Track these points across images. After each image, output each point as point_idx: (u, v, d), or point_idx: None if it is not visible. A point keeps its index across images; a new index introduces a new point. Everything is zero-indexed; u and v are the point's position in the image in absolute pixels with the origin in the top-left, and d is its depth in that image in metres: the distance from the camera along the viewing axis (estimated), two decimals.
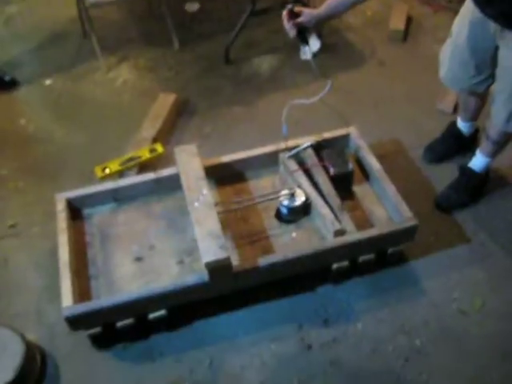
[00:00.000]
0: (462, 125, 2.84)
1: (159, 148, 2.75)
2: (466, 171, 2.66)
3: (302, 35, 2.09)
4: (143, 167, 2.77)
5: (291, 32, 2.07)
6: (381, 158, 2.59)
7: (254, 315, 2.30)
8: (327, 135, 2.63)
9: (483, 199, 2.70)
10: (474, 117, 2.78)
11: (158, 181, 2.50)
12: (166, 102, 3.20)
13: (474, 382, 2.09)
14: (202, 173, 2.32)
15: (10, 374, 1.98)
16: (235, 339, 2.23)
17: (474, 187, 2.66)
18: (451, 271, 2.43)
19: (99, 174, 2.61)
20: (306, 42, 2.10)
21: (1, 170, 2.98)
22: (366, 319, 2.27)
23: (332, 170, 2.45)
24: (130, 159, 2.69)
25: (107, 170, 2.63)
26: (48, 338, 2.25)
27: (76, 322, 2.04)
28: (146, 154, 2.73)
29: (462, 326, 2.25)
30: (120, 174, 2.69)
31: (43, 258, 2.48)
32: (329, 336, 2.23)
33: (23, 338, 2.10)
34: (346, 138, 2.67)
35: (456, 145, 2.89)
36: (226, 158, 2.58)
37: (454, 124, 2.90)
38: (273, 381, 2.11)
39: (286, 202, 2.39)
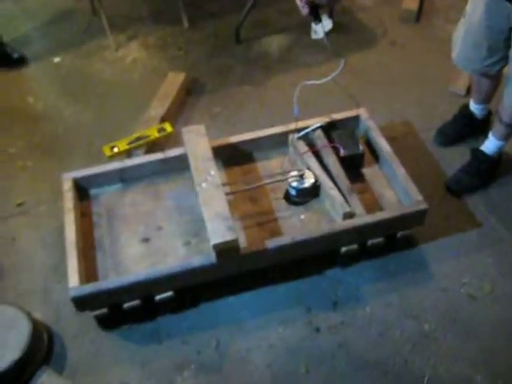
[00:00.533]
0: (475, 107, 2.81)
1: (168, 127, 2.73)
2: (477, 154, 2.63)
3: (315, 13, 2.06)
4: (151, 146, 2.75)
5: (304, 9, 2.04)
6: (391, 139, 2.57)
7: (262, 298, 2.29)
8: (337, 116, 2.60)
9: (495, 183, 2.67)
10: (486, 99, 2.75)
11: (165, 161, 2.48)
12: (175, 81, 3.18)
13: (482, 367, 2.07)
14: (209, 153, 2.29)
15: (17, 353, 1.98)
16: (242, 321, 2.22)
17: (486, 170, 2.63)
18: (461, 255, 2.41)
19: (107, 152, 2.60)
20: (320, 20, 2.06)
21: (9, 148, 2.97)
22: (374, 303, 2.26)
23: (342, 152, 2.43)
24: (139, 138, 2.67)
25: (115, 149, 2.61)
26: (55, 317, 2.25)
27: (82, 303, 2.04)
28: (154, 134, 2.71)
29: (471, 311, 2.23)
30: (128, 153, 2.68)
31: (51, 237, 2.48)
32: (337, 319, 2.22)
33: (30, 316, 2.10)
34: (355, 119, 2.64)
35: (468, 127, 2.85)
36: (235, 139, 2.56)
37: (466, 106, 2.86)
38: (280, 363, 2.11)
39: (294, 184, 2.36)
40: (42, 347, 2.13)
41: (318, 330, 2.19)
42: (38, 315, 2.23)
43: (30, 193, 2.72)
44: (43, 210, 2.64)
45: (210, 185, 2.16)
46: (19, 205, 2.67)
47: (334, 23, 2.05)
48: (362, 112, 2.63)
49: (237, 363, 2.11)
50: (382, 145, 2.48)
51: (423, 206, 2.24)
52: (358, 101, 2.61)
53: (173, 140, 2.78)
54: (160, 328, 2.21)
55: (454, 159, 2.75)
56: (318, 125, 2.53)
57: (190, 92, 3.27)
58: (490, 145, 2.60)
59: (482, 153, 2.61)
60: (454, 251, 2.42)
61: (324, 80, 2.18)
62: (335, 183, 2.33)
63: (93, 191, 2.47)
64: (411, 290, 2.30)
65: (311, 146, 2.50)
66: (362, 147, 2.45)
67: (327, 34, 2.07)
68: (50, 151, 2.94)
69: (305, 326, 2.20)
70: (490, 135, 2.59)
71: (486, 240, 2.46)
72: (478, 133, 2.84)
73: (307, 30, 2.10)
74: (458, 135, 2.86)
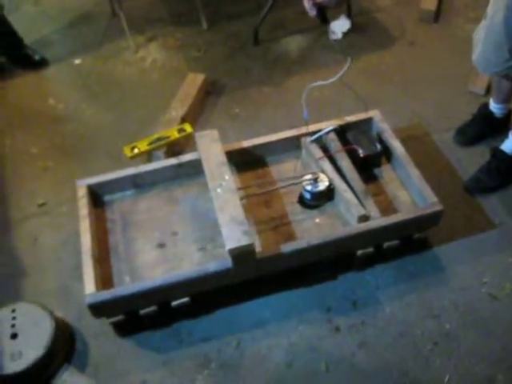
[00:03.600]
0: (495, 107, 2.80)
1: (188, 128, 2.74)
2: (497, 153, 2.62)
3: (323, 15, 2.07)
4: (172, 147, 2.77)
5: (312, 11, 2.06)
6: (410, 140, 2.57)
7: (282, 299, 2.30)
8: (349, 119, 2.58)
9: None
10: (507, 99, 2.73)
11: (179, 166, 2.49)
12: (194, 82, 3.20)
13: (504, 367, 2.07)
14: (223, 158, 2.29)
15: (40, 351, 2.00)
16: (262, 321, 2.23)
17: (506, 170, 2.61)
18: (480, 256, 2.40)
19: (128, 153, 2.61)
20: (327, 22, 2.07)
21: (31, 148, 3.00)
22: (394, 303, 2.26)
23: (361, 152, 2.43)
24: (159, 139, 2.69)
25: (136, 150, 2.63)
26: (77, 315, 2.27)
27: (99, 309, 2.05)
28: (174, 134, 2.72)
29: (492, 310, 2.22)
30: (149, 153, 2.70)
31: (72, 237, 2.49)
32: (357, 319, 2.22)
33: (53, 315, 2.13)
34: (369, 121, 2.62)
35: (488, 127, 2.84)
36: (247, 143, 2.55)
37: (486, 106, 2.85)
38: (300, 362, 2.11)
39: (309, 187, 2.35)
40: (65, 345, 2.16)
41: (337, 329, 2.19)
42: (59, 314, 2.25)
43: (51, 193, 2.76)
44: (65, 210, 2.67)
45: (224, 190, 2.16)
46: (41, 205, 2.71)
47: (353, 23, 2.06)
48: (375, 114, 2.61)
49: (257, 361, 2.12)
50: (396, 146, 2.47)
51: (438, 208, 2.23)
52: (376, 101, 2.61)
53: (192, 141, 2.78)
54: (180, 327, 2.23)
55: (474, 159, 2.74)
56: (331, 128, 2.52)
57: (209, 93, 3.28)
58: (509, 144, 2.59)
59: (502, 152, 2.61)
60: (473, 251, 2.41)
61: (330, 80, 2.18)
62: (349, 186, 2.33)
63: (107, 197, 2.49)
64: (431, 290, 2.30)
65: (324, 148, 2.50)
66: (379, 145, 2.46)
67: (345, 34, 2.07)
68: (71, 152, 2.97)
69: (325, 325, 2.21)
70: (510, 134, 2.58)
71: (506, 240, 2.45)
72: (497, 132, 2.83)
73: (325, 30, 2.10)
74: (477, 135, 2.85)
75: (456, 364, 2.08)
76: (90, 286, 2.04)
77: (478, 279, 2.32)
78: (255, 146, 2.56)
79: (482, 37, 2.40)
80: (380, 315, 2.23)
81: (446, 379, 2.04)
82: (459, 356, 2.10)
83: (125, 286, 2.11)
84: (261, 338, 2.18)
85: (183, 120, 2.92)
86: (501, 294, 2.27)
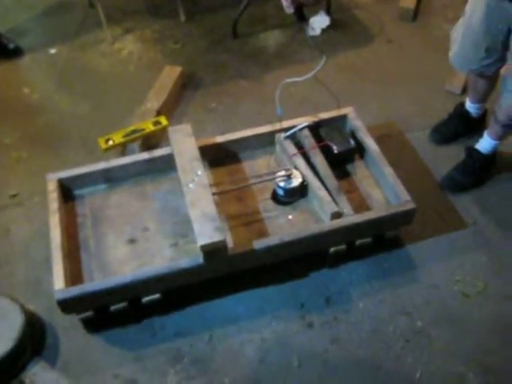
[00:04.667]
0: (471, 106, 2.81)
1: (163, 121, 2.73)
2: (472, 153, 2.64)
3: (301, 13, 2.07)
4: (147, 140, 2.75)
5: (289, 9, 2.05)
6: (385, 137, 2.58)
7: (255, 295, 2.29)
8: (324, 116, 2.58)
9: (488, 182, 2.68)
10: (483, 98, 2.75)
11: (151, 161, 2.46)
12: (171, 74, 3.18)
13: (474, 364, 2.08)
14: (196, 153, 2.28)
15: (9, 344, 1.97)
16: (235, 317, 2.22)
17: (480, 169, 2.63)
18: (453, 254, 2.42)
19: (103, 145, 2.59)
20: (304, 19, 2.07)
21: (4, 138, 2.97)
22: (367, 299, 2.27)
23: (335, 148, 2.43)
24: (134, 131, 2.67)
25: (111, 142, 2.61)
26: (48, 308, 2.24)
27: (69, 305, 2.02)
28: (149, 127, 2.70)
29: (464, 308, 2.24)
30: (123, 145, 2.68)
31: (44, 229, 2.44)
32: (330, 315, 2.22)
33: (23, 308, 2.10)
34: (343, 118, 2.61)
35: (463, 126, 2.86)
36: (221, 139, 2.54)
37: (462, 105, 2.87)
38: (272, 357, 2.11)
39: (282, 184, 2.35)
40: (35, 339, 2.14)
41: (310, 325, 2.19)
42: (30, 307, 2.23)
43: (24, 184, 2.72)
44: (37, 201, 2.63)
45: (197, 185, 2.15)
46: (13, 196, 2.67)
47: (332, 20, 2.05)
48: (349, 111, 2.60)
49: (229, 356, 2.11)
50: (369, 144, 2.47)
51: (411, 206, 2.24)
52: (352, 98, 2.61)
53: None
54: (153, 322, 2.21)
55: (449, 158, 2.75)
56: (305, 124, 2.52)
57: (186, 86, 3.26)
58: (484, 144, 2.60)
59: (477, 151, 2.62)
60: (447, 249, 2.43)
61: (305, 77, 2.17)
62: (323, 183, 2.32)
63: (78, 191, 2.45)
64: (404, 287, 2.30)
65: (298, 145, 2.49)
66: (352, 141, 2.46)
67: (324, 30, 2.07)
68: (45, 142, 2.94)
69: (298, 321, 2.20)
70: (485, 134, 2.60)
71: (479, 238, 2.47)
72: (473, 131, 2.84)
73: (304, 26, 2.10)
74: (453, 134, 2.86)
75: (427, 361, 2.09)
76: (59, 281, 2.01)
77: (451, 277, 2.33)
78: (229, 142, 2.55)
79: (460, 35, 2.42)
80: (353, 311, 2.23)
81: (418, 375, 2.05)
82: (431, 353, 2.11)
83: (95, 282, 2.08)
84: (233, 334, 2.18)
85: (159, 113, 2.90)
86: (473, 292, 2.28)
